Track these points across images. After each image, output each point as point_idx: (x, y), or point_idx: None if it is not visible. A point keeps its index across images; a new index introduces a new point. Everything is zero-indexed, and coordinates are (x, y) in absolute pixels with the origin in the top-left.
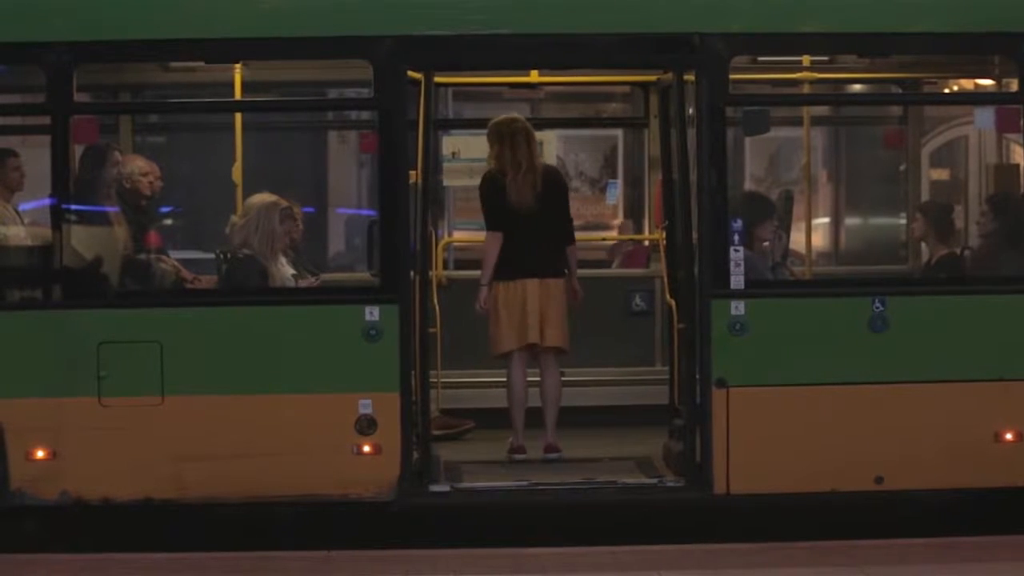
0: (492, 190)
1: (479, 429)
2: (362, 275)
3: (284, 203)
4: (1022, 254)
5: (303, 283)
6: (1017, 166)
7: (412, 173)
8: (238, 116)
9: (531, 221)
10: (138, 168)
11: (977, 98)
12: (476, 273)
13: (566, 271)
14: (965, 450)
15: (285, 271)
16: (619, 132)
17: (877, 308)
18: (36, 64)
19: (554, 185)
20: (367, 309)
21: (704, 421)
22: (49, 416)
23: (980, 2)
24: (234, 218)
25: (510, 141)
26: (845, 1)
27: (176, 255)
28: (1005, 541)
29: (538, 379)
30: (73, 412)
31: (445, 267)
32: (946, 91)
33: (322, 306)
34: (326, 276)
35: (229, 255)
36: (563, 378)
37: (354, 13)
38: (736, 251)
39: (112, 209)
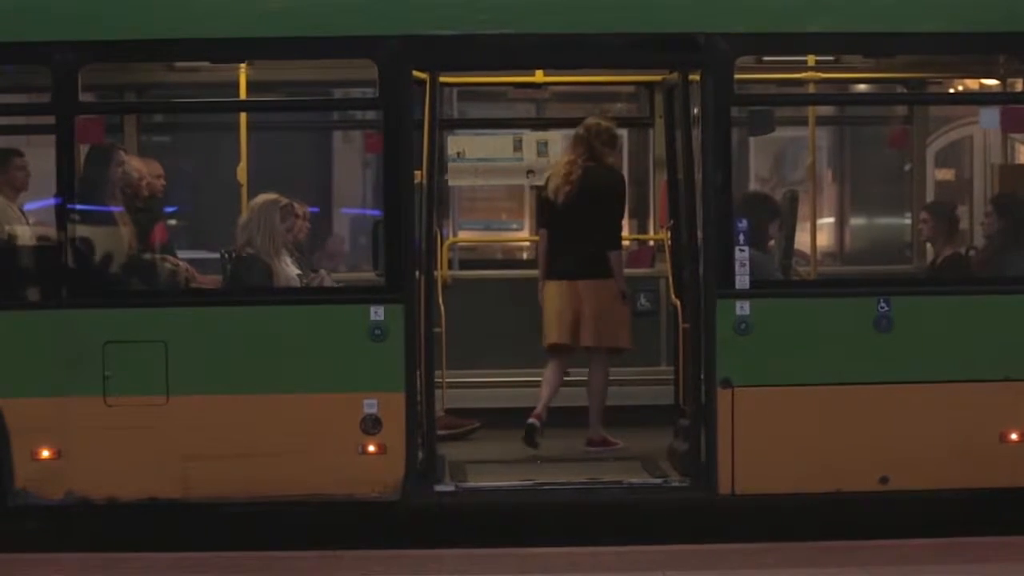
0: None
1: (484, 429)
2: (367, 275)
3: (283, 200)
4: None
5: (319, 279)
6: (1022, 166)
7: (417, 173)
8: (243, 116)
9: (564, 223)
10: (154, 171)
11: (982, 98)
12: (480, 273)
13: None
14: (970, 450)
15: (290, 271)
16: (624, 132)
17: (882, 308)
18: (41, 64)
19: (596, 188)
20: (372, 309)
21: (709, 421)
22: (54, 416)
23: (986, 2)
24: (241, 219)
25: (571, 142)
26: (850, 1)
27: (180, 255)
28: (1011, 542)
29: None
30: (78, 411)
31: (450, 267)
32: (951, 91)
33: (327, 305)
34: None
35: (234, 255)
36: (567, 378)
37: (359, 13)
38: (741, 251)
39: (117, 209)
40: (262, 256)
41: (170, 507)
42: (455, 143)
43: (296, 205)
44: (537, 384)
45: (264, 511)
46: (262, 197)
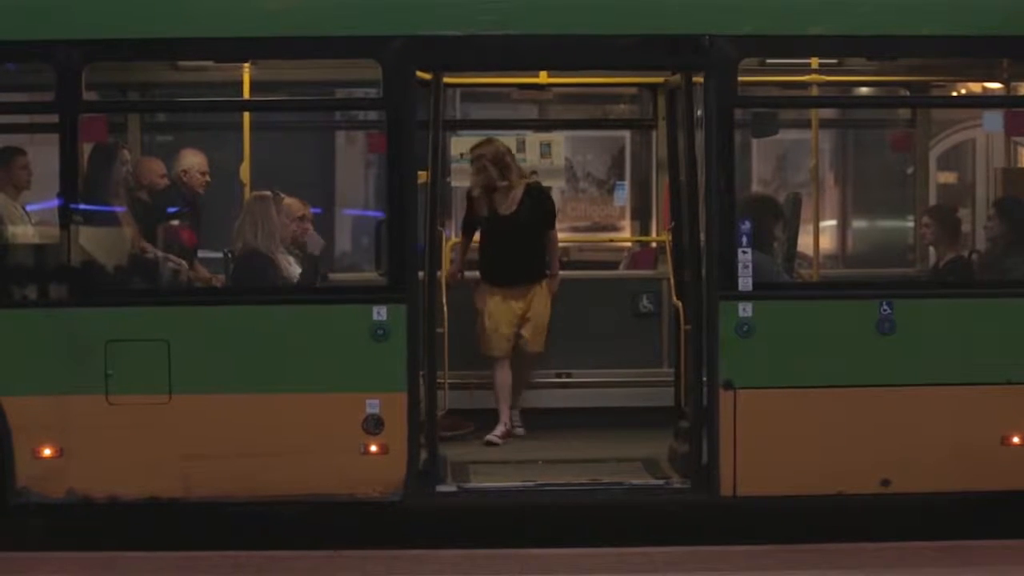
0: None
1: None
2: (370, 275)
3: (268, 193)
4: None
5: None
6: None
7: (420, 173)
8: (246, 115)
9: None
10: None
11: (986, 101)
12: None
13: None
14: (971, 453)
15: (293, 269)
16: (627, 134)
17: (884, 311)
18: (45, 62)
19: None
20: (375, 309)
21: (710, 423)
22: (56, 414)
23: (989, 5)
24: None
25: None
26: (854, 3)
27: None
28: (1011, 545)
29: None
30: (80, 410)
31: None
32: (954, 94)
33: (330, 305)
34: (333, 276)
35: (236, 254)
36: (568, 379)
37: (363, 13)
38: (744, 253)
39: (120, 208)
40: (263, 253)
41: (171, 506)
42: (458, 144)
43: (299, 203)
44: (537, 385)
45: (265, 511)
46: (252, 195)
